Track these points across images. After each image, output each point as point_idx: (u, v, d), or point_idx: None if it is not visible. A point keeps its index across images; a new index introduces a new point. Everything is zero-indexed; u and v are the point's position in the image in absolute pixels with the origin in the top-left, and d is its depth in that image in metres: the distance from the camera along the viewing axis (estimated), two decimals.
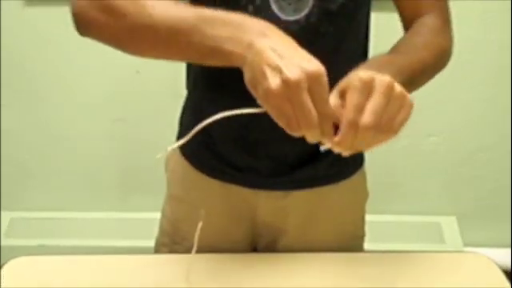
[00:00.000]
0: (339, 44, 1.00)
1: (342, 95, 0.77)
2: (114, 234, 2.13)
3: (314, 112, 0.73)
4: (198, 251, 0.98)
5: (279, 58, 0.73)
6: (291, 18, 0.95)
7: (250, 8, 0.95)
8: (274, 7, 0.95)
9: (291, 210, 1.13)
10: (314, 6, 0.95)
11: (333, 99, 0.77)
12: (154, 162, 2.15)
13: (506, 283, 1.09)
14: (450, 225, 2.21)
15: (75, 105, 2.08)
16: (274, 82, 0.72)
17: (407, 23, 1.03)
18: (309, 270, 1.08)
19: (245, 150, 1.07)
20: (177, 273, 0.98)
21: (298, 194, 1.10)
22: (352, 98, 0.75)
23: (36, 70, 2.04)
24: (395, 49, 0.95)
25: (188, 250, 0.95)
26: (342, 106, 0.77)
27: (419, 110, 2.05)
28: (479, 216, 2.22)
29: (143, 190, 2.17)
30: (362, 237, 1.25)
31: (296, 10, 0.95)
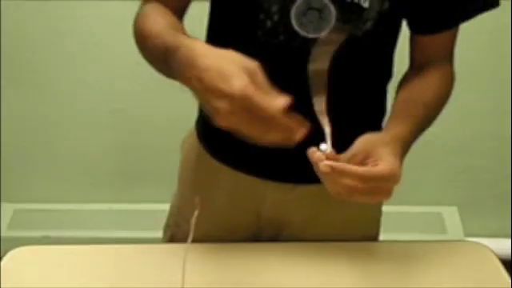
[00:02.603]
0: (358, 66, 1.01)
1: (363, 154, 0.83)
2: (117, 225, 2.13)
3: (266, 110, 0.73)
4: (198, 239, 0.97)
5: (214, 81, 0.74)
6: (310, 36, 0.95)
7: (269, 23, 0.96)
8: (295, 23, 0.95)
9: (297, 204, 1.12)
10: (336, 27, 0.94)
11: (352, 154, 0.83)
12: (156, 152, 2.17)
13: (505, 273, 1.09)
14: (451, 215, 2.21)
15: (76, 95, 2.08)
16: (221, 105, 0.73)
17: (416, 63, 1.05)
18: (309, 260, 1.08)
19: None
20: (174, 262, 0.99)
21: (306, 187, 1.09)
22: (364, 172, 0.81)
23: (37, 60, 2.04)
24: (408, 104, 0.98)
25: (186, 233, 0.95)
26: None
27: None
28: (480, 206, 2.22)
29: (146, 181, 2.18)
30: (374, 238, 1.22)
31: (316, 29, 0.95)
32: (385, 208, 2.21)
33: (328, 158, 0.81)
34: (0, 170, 2.15)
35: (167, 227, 1.26)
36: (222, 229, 1.14)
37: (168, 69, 0.84)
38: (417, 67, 1.05)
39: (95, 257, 1.11)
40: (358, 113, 1.06)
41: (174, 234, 1.22)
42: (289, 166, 1.07)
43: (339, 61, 0.95)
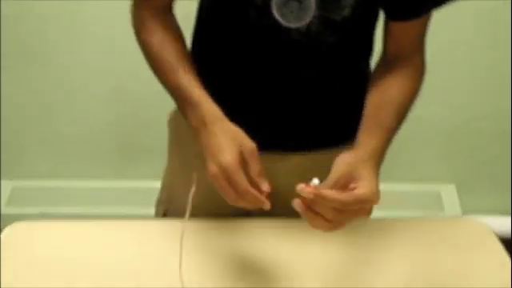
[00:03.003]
0: (340, 54, 1.04)
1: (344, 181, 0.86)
2: (115, 201, 2.14)
3: (244, 189, 0.88)
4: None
5: (212, 147, 0.91)
6: (292, 26, 0.98)
7: (252, 12, 0.98)
8: (276, 14, 0.98)
9: (287, 173, 1.13)
10: (316, 15, 0.97)
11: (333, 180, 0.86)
12: (155, 130, 2.15)
13: (502, 250, 1.10)
14: (449, 193, 2.21)
15: (76, 72, 2.08)
16: (212, 167, 0.90)
17: (388, 53, 1.06)
18: (304, 237, 1.08)
19: (246, 110, 1.08)
20: (171, 238, 0.99)
21: (294, 157, 1.12)
22: (347, 198, 0.84)
23: (36, 37, 2.03)
24: (380, 104, 1.00)
25: (179, 209, 0.96)
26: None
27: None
28: (478, 184, 2.23)
29: (145, 158, 2.18)
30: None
31: (298, 18, 0.98)
32: (382, 186, 2.23)
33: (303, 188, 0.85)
34: (0, 147, 2.16)
35: (160, 203, 1.27)
36: (213, 202, 1.14)
37: (174, 99, 1.02)
38: (388, 59, 1.06)
39: (93, 232, 1.11)
40: (341, 86, 1.09)
41: (167, 209, 1.23)
42: (276, 135, 1.09)
43: (317, 46, 1.00)
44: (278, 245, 1.07)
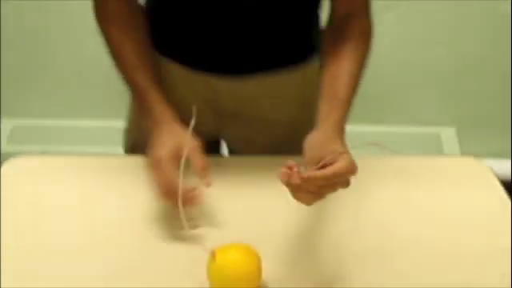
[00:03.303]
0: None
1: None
2: (116, 140, 2.13)
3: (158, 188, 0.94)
4: None
5: (157, 144, 0.98)
6: None
7: None
8: None
9: (251, 94, 1.16)
10: None
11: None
12: None
13: (501, 189, 1.10)
14: (448, 136, 2.21)
15: (74, 11, 2.05)
16: (149, 159, 0.98)
17: (336, 14, 1.07)
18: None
19: (207, 36, 1.10)
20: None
21: (256, 78, 1.14)
22: (328, 173, 0.84)
23: None
24: (335, 77, 1.02)
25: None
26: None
27: (423, 20, 2.04)
28: (478, 127, 2.22)
29: None
30: None
31: None
32: (381, 128, 2.23)
33: (290, 165, 0.85)
34: (0, 85, 2.15)
35: (128, 132, 1.28)
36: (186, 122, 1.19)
37: (131, 95, 1.08)
38: (337, 26, 1.07)
39: (92, 167, 1.11)
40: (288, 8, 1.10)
41: (137, 139, 1.24)
42: (237, 57, 1.11)
43: None
44: (270, 185, 1.07)
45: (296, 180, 0.83)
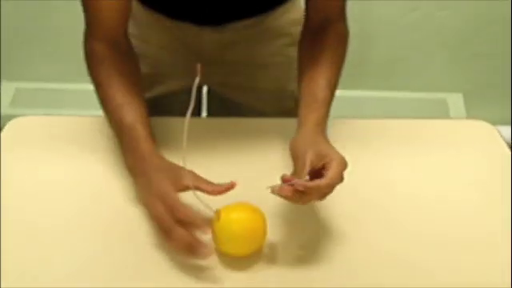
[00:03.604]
0: None
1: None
2: None
3: (165, 220, 0.86)
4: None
5: (152, 182, 0.91)
6: None
7: None
8: None
9: (233, 40, 1.18)
10: None
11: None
12: None
13: (508, 150, 1.09)
14: (455, 101, 2.20)
15: None
16: (148, 198, 0.91)
17: (311, 22, 1.07)
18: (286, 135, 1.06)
19: None
20: (169, 135, 1.00)
21: (237, 24, 1.15)
22: (330, 182, 0.86)
23: None
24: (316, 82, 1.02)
25: None
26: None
27: None
28: (485, 93, 2.21)
29: None
30: None
31: None
32: (387, 93, 2.22)
33: (286, 180, 0.86)
34: (1, 48, 2.13)
35: None
36: (170, 72, 1.22)
37: (116, 135, 1.00)
38: (313, 30, 1.07)
39: (94, 128, 1.10)
40: None
41: None
42: (218, 8, 1.12)
43: None
44: (269, 145, 1.06)
45: (300, 188, 0.84)
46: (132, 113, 0.98)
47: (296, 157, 0.92)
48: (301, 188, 0.84)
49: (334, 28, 1.07)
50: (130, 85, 1.01)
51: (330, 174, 0.86)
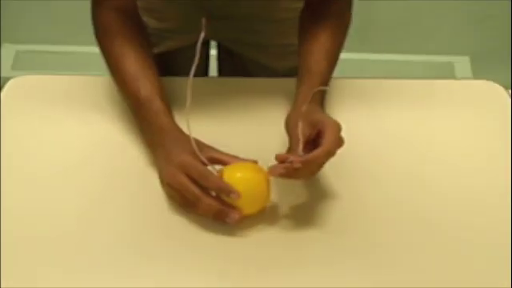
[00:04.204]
0: None
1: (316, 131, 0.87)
2: None
3: (192, 189, 0.85)
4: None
5: (170, 153, 0.89)
6: None
7: None
8: None
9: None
10: None
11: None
12: None
13: None
14: (462, 65, 2.18)
15: None
16: (168, 169, 0.88)
17: (314, 3, 1.05)
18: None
19: None
20: (173, 93, 0.99)
21: None
22: (329, 150, 0.85)
23: None
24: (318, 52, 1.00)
25: None
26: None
27: None
28: (493, 56, 2.18)
29: None
30: None
31: None
32: (394, 56, 2.21)
33: (281, 159, 0.85)
34: (1, 11, 2.11)
35: None
36: (181, 27, 1.20)
37: (130, 108, 0.98)
38: (314, 2, 1.05)
39: (95, 87, 1.09)
40: None
41: None
42: None
43: None
44: (278, 105, 1.04)
45: (297, 165, 0.82)
46: (149, 86, 0.96)
47: (290, 133, 0.91)
48: (299, 165, 0.82)
49: (336, 1, 1.05)
50: (144, 57, 0.99)
51: (325, 141, 0.85)
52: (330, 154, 0.85)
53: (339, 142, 0.86)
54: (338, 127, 0.87)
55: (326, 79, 0.99)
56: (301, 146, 0.86)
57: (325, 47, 1.01)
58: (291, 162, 0.83)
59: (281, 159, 0.85)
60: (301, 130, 0.86)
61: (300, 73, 1.00)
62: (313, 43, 1.02)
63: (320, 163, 0.86)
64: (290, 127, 0.91)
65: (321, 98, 0.97)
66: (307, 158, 0.83)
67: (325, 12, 1.04)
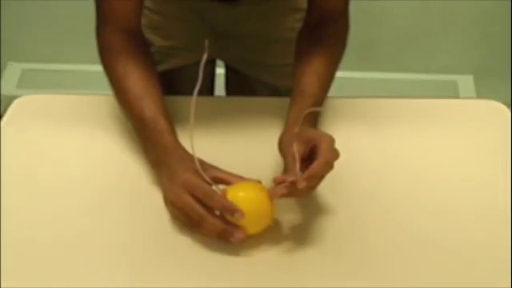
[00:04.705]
0: None
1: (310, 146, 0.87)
2: None
3: (197, 209, 0.85)
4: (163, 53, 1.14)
5: (174, 174, 0.89)
6: None
7: None
8: None
9: (248, 16, 1.17)
10: None
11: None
12: None
13: None
14: (466, 83, 2.18)
15: None
16: (172, 189, 0.88)
17: (313, 16, 1.06)
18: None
19: None
20: (177, 112, 0.99)
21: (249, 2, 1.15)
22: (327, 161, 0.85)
23: None
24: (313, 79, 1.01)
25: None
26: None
27: None
28: (496, 75, 2.18)
29: None
30: None
31: None
32: (397, 75, 2.21)
33: (279, 181, 0.85)
34: (7, 29, 2.12)
35: None
36: (185, 42, 1.21)
37: (134, 129, 0.98)
38: (312, 23, 1.07)
39: (100, 106, 1.10)
40: None
41: None
42: None
43: None
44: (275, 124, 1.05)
45: (303, 184, 0.82)
46: (153, 105, 0.96)
47: (284, 153, 0.91)
48: (304, 184, 0.82)
49: (334, 24, 1.05)
50: (148, 76, 0.99)
51: (322, 151, 0.85)
52: (329, 164, 0.85)
53: (335, 154, 0.86)
54: (331, 139, 0.87)
55: (319, 101, 0.99)
56: (298, 166, 0.85)
57: (318, 70, 1.01)
58: (293, 183, 0.83)
59: (279, 182, 0.84)
60: (296, 149, 0.86)
61: (292, 95, 1.00)
62: (307, 66, 1.02)
63: (320, 177, 0.86)
64: (283, 148, 0.92)
65: (313, 120, 0.97)
66: (309, 173, 0.83)
67: (322, 35, 1.05)
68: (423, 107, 1.13)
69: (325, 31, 1.05)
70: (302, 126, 0.89)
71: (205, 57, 0.85)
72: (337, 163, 0.87)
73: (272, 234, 0.88)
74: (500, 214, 0.92)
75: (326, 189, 0.90)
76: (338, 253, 0.87)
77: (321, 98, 1.00)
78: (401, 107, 1.13)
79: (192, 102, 0.82)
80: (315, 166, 0.84)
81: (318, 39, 1.05)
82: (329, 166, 0.85)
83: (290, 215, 0.91)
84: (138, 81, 0.98)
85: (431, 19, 2.13)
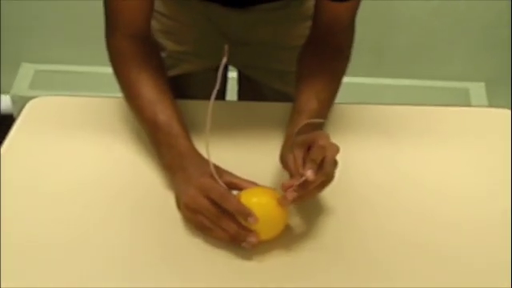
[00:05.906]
0: None
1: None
2: None
3: (213, 210, 0.86)
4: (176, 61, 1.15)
5: (190, 178, 0.90)
6: None
7: None
8: None
9: (259, 23, 1.17)
10: None
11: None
12: None
13: None
14: (477, 91, 2.17)
15: None
16: (188, 192, 0.89)
17: (317, 31, 1.06)
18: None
19: None
20: (191, 117, 0.99)
21: (263, 6, 1.15)
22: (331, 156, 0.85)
23: None
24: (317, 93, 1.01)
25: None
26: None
27: None
28: (507, 83, 2.18)
29: None
30: None
31: None
32: (410, 82, 2.20)
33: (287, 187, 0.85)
34: (21, 30, 2.13)
35: None
36: (198, 48, 1.22)
37: (148, 134, 0.98)
38: (315, 38, 1.06)
39: (113, 108, 1.10)
40: None
41: None
42: None
43: None
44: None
45: (311, 175, 0.82)
46: (167, 110, 0.96)
47: (286, 165, 0.91)
48: (311, 176, 0.82)
49: (338, 40, 1.05)
50: (160, 82, 1.00)
51: (320, 140, 0.85)
52: (334, 147, 0.85)
53: (334, 146, 0.86)
54: (324, 133, 0.87)
55: (318, 117, 0.98)
56: (300, 166, 0.85)
57: (317, 89, 1.01)
58: (302, 184, 0.83)
59: (287, 187, 0.85)
60: (295, 154, 0.86)
61: (291, 113, 1.00)
62: (307, 84, 1.02)
63: (327, 171, 0.85)
64: (283, 160, 0.92)
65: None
66: (309, 160, 0.83)
67: (324, 51, 1.04)
68: (434, 115, 1.13)
69: (328, 43, 1.05)
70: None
71: (224, 61, 0.85)
72: (346, 170, 0.87)
73: (283, 239, 0.88)
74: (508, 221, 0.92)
75: (336, 195, 0.91)
76: (346, 259, 0.87)
77: (320, 114, 0.99)
78: (411, 114, 1.13)
79: (209, 108, 0.82)
80: (313, 150, 0.84)
81: (320, 57, 1.04)
82: (324, 151, 0.84)
83: (299, 220, 0.91)
84: (150, 86, 0.98)
85: (443, 26, 2.12)
